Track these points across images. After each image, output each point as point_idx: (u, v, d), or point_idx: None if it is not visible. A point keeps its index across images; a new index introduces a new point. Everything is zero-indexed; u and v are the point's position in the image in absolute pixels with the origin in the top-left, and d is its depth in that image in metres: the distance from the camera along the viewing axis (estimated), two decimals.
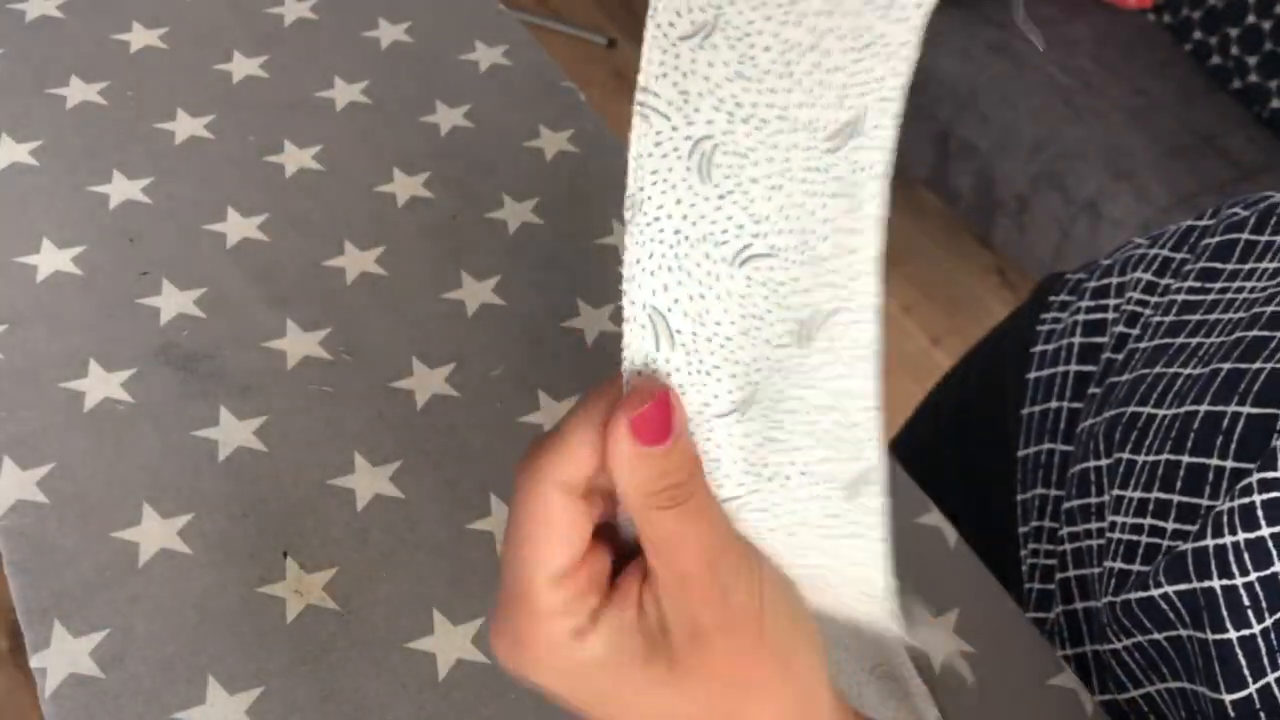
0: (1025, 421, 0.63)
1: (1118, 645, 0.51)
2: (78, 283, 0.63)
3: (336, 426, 0.58)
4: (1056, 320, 0.65)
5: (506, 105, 0.77)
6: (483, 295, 0.65)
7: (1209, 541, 0.45)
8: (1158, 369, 0.54)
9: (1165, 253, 0.61)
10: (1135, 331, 0.59)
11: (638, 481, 0.29)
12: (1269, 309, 0.49)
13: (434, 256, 0.67)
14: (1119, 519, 0.51)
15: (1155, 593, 0.47)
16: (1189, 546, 0.46)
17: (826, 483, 0.33)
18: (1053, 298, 0.67)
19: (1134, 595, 0.48)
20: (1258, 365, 0.48)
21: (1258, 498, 0.45)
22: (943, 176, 1.93)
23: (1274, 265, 0.52)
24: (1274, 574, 0.44)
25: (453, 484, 0.57)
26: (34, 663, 0.49)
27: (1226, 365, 0.49)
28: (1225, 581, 0.45)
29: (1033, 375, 0.65)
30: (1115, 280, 0.63)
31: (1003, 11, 1.96)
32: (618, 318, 0.66)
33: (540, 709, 0.50)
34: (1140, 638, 0.49)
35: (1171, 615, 0.47)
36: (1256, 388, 0.47)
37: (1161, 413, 0.51)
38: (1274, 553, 0.44)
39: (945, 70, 1.86)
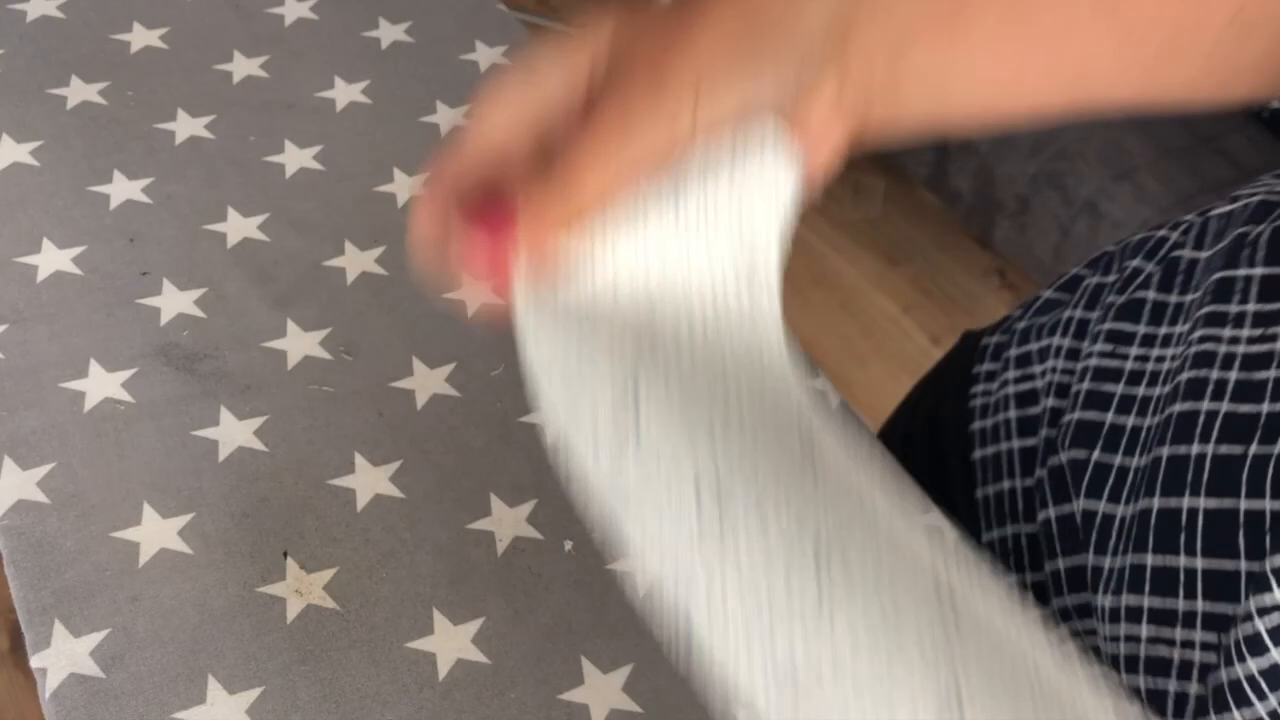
0: (981, 505, 0.62)
1: None
2: (78, 282, 0.63)
3: (337, 426, 0.59)
4: (987, 393, 0.63)
5: None
6: (483, 295, 0.65)
7: (1225, 675, 0.43)
8: (1097, 454, 0.52)
9: (1080, 314, 0.58)
10: (1066, 403, 0.56)
11: None
12: (1184, 376, 0.47)
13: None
14: (1101, 626, 0.50)
15: None
16: (1211, 685, 0.44)
17: None
18: (978, 368, 0.64)
19: None
20: (1196, 449, 0.46)
21: (1260, 625, 0.42)
22: (942, 177, 1.93)
23: (1183, 329, 0.50)
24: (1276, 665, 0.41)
25: (453, 484, 0.57)
26: (34, 662, 0.49)
27: (1165, 450, 0.47)
28: (1247, 711, 0.42)
29: (977, 456, 0.62)
30: (1035, 347, 0.60)
31: None
32: None
33: (541, 711, 0.50)
34: None
35: None
36: (1205, 479, 0.45)
37: (1117, 511, 0.50)
38: (1269, 642, 0.42)
39: None
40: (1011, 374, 0.61)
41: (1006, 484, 0.60)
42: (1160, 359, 0.51)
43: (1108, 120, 1.70)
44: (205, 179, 0.69)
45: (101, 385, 0.59)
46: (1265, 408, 0.43)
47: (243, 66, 0.77)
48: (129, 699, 0.48)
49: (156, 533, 0.54)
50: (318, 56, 0.78)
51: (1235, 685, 0.42)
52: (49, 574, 0.52)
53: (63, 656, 0.49)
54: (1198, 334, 0.48)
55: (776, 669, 0.28)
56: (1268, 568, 0.41)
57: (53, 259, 0.64)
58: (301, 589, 0.52)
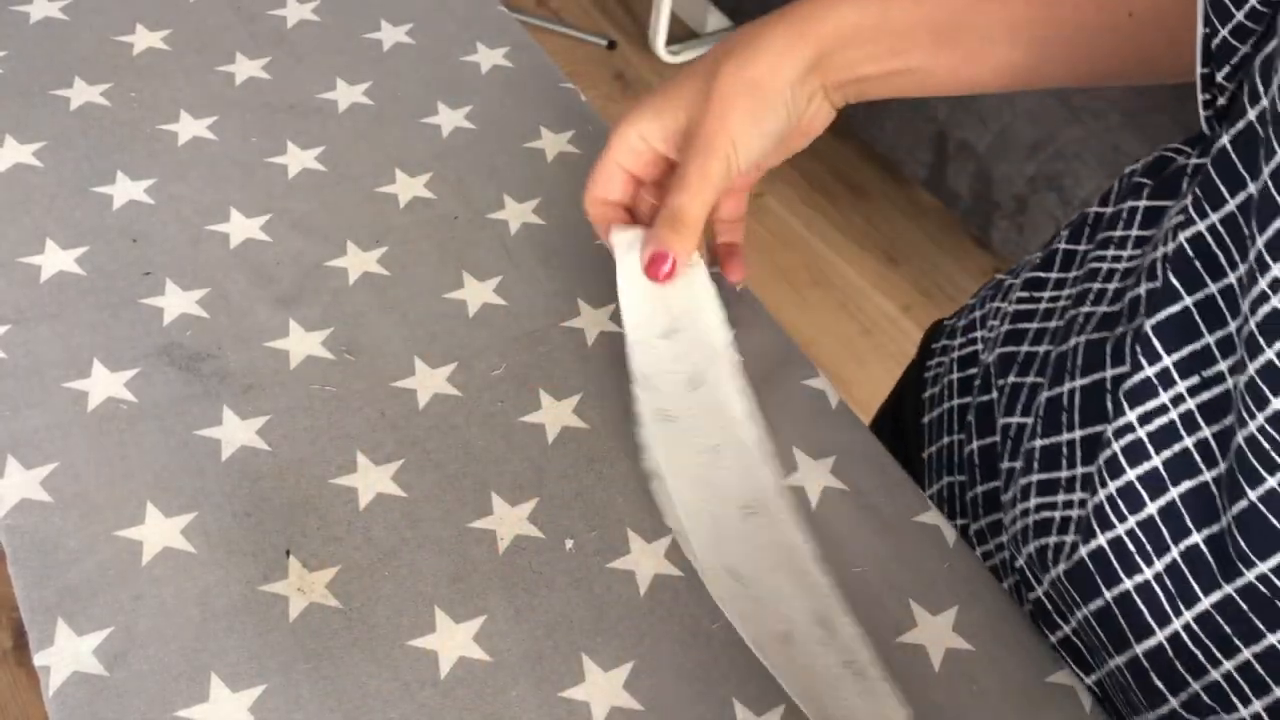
0: (926, 463, 0.68)
1: (1066, 630, 0.54)
2: (81, 283, 0.63)
3: (338, 426, 0.59)
4: (940, 365, 0.69)
5: (507, 106, 0.77)
6: (484, 295, 0.66)
7: (1092, 499, 0.50)
8: (1012, 378, 0.61)
9: (1017, 279, 0.65)
10: (989, 355, 0.64)
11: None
12: (1082, 310, 0.56)
13: (436, 257, 0.67)
14: (1023, 505, 0.56)
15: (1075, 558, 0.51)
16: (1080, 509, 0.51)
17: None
18: (934, 345, 0.71)
19: (1062, 568, 0.52)
20: (1073, 341, 0.55)
21: (1116, 446, 0.48)
22: (940, 177, 1.93)
23: (1080, 272, 0.59)
24: (1150, 516, 0.47)
25: (454, 483, 0.57)
26: (37, 661, 0.50)
27: (1054, 349, 0.57)
28: (1109, 534, 0.49)
29: (926, 419, 0.69)
30: (979, 314, 0.68)
31: None
32: (618, 317, 0.67)
33: (542, 709, 0.50)
34: (1076, 614, 0.52)
35: (1088, 585, 0.51)
36: (1080, 362, 0.53)
37: (1027, 421, 0.58)
38: (1145, 495, 0.47)
39: None
40: (957, 342, 0.68)
41: (945, 440, 0.66)
42: (1065, 298, 0.60)
43: (1106, 121, 1.70)
44: (208, 180, 0.70)
45: (104, 385, 0.59)
46: (1128, 297, 0.52)
47: (245, 68, 0.77)
48: (132, 697, 0.49)
49: (159, 531, 0.54)
50: (320, 58, 0.78)
51: (1099, 508, 0.49)
52: (52, 572, 0.52)
53: (66, 655, 0.50)
54: (1085, 269, 0.58)
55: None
56: (1122, 397, 0.48)
57: (56, 259, 0.64)
58: (304, 587, 0.53)
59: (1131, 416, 0.48)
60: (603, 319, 0.65)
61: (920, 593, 0.55)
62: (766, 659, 0.50)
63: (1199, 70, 0.48)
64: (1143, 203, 0.56)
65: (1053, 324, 0.59)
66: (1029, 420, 0.57)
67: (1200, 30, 0.47)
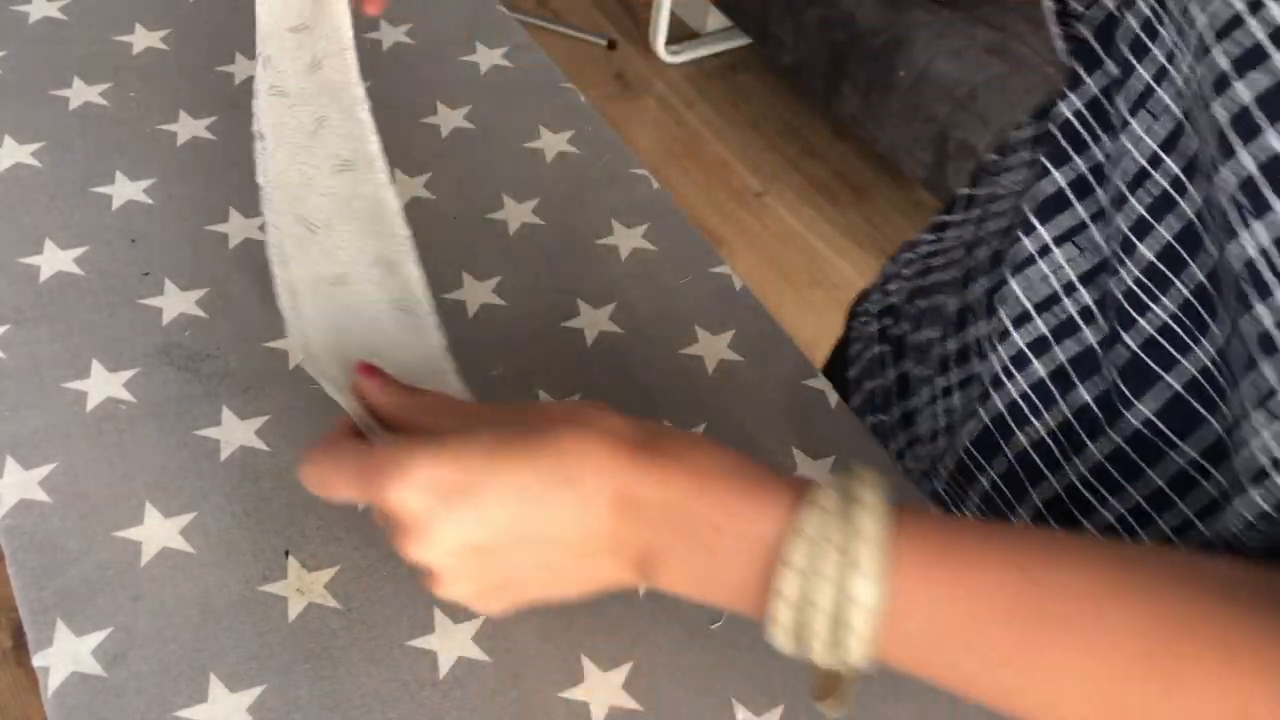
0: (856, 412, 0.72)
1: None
2: (80, 283, 0.63)
3: None
4: (864, 321, 0.74)
5: (507, 106, 0.77)
6: (483, 295, 0.66)
7: (988, 370, 0.54)
8: (919, 303, 0.66)
9: (921, 234, 0.70)
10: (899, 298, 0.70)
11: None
12: (984, 229, 0.60)
13: (435, 257, 0.67)
14: (945, 402, 0.61)
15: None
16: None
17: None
18: (859, 309, 0.76)
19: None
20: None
21: (1004, 314, 0.52)
22: (940, 178, 1.93)
23: (979, 210, 0.63)
24: (1040, 378, 0.51)
25: None
26: (36, 661, 0.50)
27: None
28: (1005, 398, 0.53)
29: (851, 373, 0.74)
30: (890, 270, 0.72)
31: (1000, 13, 1.96)
32: (618, 318, 0.67)
33: (541, 708, 0.50)
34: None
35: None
36: (983, 267, 0.57)
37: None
38: (1033, 359, 0.51)
39: (942, 71, 1.87)
40: (874, 299, 0.73)
41: (869, 384, 0.71)
42: (967, 230, 0.63)
43: None
44: (207, 180, 0.70)
45: (103, 385, 0.59)
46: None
47: (244, 68, 0.77)
48: (131, 697, 0.49)
49: (158, 532, 0.54)
50: None
51: (994, 377, 0.54)
52: (51, 573, 0.52)
53: (65, 655, 0.50)
54: (982, 206, 0.63)
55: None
56: (1006, 270, 0.52)
57: (55, 259, 0.64)
58: (303, 588, 0.53)
59: (1015, 287, 0.51)
60: (603, 319, 0.65)
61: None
62: (304, 302, 0.55)
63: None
64: (1030, 131, 0.60)
65: (957, 253, 0.63)
66: (938, 332, 0.62)
67: None
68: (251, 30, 0.79)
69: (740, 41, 2.44)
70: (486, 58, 0.81)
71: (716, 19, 2.45)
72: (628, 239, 0.69)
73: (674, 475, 0.40)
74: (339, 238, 0.58)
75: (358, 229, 0.58)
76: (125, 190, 0.68)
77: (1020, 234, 0.51)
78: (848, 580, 0.37)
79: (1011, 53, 1.88)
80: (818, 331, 1.96)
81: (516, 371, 0.62)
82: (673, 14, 2.39)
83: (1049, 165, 0.50)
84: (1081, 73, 0.49)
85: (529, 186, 0.72)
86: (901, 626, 0.37)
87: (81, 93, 0.74)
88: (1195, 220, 0.43)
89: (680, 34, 2.46)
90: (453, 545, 0.42)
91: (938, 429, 0.61)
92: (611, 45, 2.42)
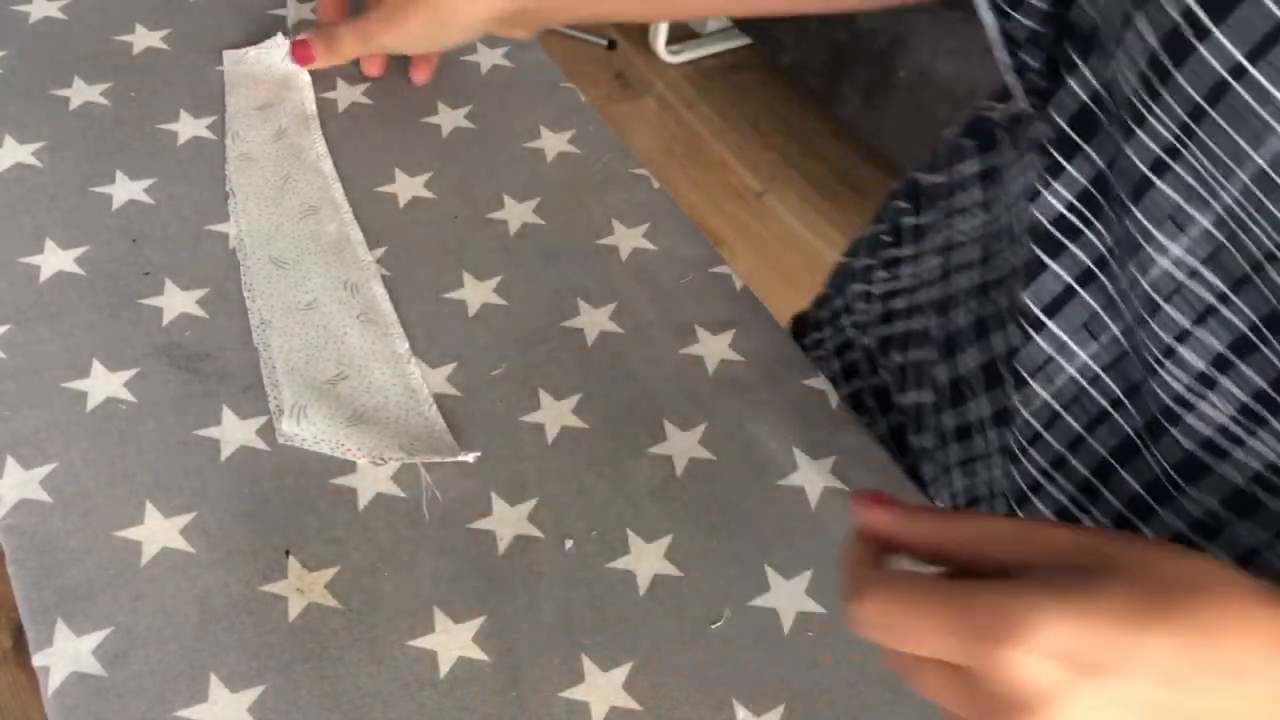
0: None
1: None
2: (80, 283, 0.63)
3: None
4: (818, 357, 0.73)
5: (507, 106, 0.77)
6: (484, 295, 0.66)
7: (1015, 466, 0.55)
8: (896, 357, 0.66)
9: (865, 260, 0.70)
10: (866, 338, 0.70)
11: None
12: (956, 285, 0.60)
13: (435, 257, 0.67)
14: (949, 484, 0.63)
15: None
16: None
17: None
18: (804, 339, 0.76)
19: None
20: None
21: (1030, 417, 0.52)
22: None
23: (938, 242, 0.63)
24: (1085, 478, 0.51)
25: (453, 483, 0.57)
26: (37, 661, 0.50)
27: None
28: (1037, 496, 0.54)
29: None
30: (840, 301, 0.73)
31: None
32: (618, 317, 0.67)
33: (540, 708, 0.50)
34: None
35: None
36: (972, 336, 0.58)
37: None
38: (1069, 455, 0.52)
39: (942, 71, 1.87)
40: (826, 333, 0.74)
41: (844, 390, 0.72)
42: (928, 271, 0.64)
43: None
44: (207, 179, 0.70)
45: (104, 385, 0.59)
46: (1004, 266, 0.57)
47: None
48: (131, 697, 0.49)
49: (158, 532, 0.54)
50: None
51: (1024, 471, 0.54)
52: (51, 573, 0.52)
53: (65, 655, 0.50)
54: (941, 240, 0.63)
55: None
56: (1019, 366, 0.53)
57: (55, 259, 0.64)
58: (303, 588, 0.53)
59: (1038, 389, 0.51)
60: (603, 319, 0.65)
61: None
62: (279, 331, 0.61)
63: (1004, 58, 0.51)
64: (976, 166, 0.60)
65: (923, 297, 0.63)
66: (929, 398, 0.61)
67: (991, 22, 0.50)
68: (252, 30, 0.79)
69: (740, 41, 2.44)
70: (487, 57, 0.81)
71: (716, 19, 2.45)
72: (628, 239, 0.69)
73: None
74: (307, 269, 0.65)
75: (324, 260, 0.65)
76: (126, 190, 0.68)
77: (1031, 331, 0.51)
78: None
79: None
80: None
81: (517, 371, 0.62)
82: None
83: (1046, 258, 0.49)
84: (1062, 161, 0.48)
85: (529, 186, 0.72)
86: None
87: (82, 92, 0.74)
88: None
89: (680, 34, 2.46)
90: None
91: (958, 506, 0.61)
92: (612, 45, 2.42)
